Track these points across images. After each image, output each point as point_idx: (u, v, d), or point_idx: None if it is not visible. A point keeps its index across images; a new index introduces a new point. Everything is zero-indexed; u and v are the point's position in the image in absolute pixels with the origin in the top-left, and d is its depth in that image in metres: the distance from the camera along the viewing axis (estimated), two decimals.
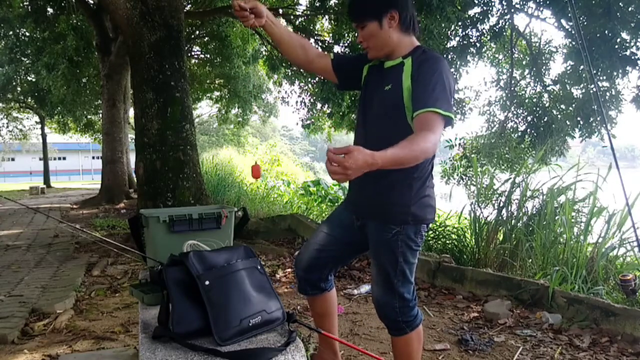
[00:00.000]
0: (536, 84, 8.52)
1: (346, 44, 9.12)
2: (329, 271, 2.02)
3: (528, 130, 8.17)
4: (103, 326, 3.03)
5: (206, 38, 14.02)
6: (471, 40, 7.57)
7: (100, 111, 13.31)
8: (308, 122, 11.81)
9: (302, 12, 10.99)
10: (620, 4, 6.33)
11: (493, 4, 7.46)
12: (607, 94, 7.25)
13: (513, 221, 4.25)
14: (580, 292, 3.27)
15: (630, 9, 6.25)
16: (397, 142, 1.45)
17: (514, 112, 8.54)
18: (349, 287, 3.81)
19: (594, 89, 5.88)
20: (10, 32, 13.84)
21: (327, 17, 10.10)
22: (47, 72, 11.95)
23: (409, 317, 1.80)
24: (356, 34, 1.87)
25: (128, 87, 11.33)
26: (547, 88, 8.29)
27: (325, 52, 2.48)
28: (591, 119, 7.31)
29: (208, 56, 15.15)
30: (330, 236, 1.95)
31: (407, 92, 1.65)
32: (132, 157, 9.96)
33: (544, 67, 8.44)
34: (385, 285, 1.80)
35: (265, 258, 4.78)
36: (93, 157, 43.09)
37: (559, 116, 7.78)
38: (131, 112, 12.34)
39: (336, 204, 8.56)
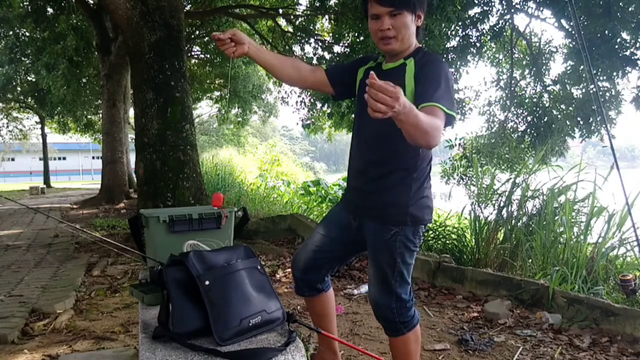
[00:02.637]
0: (536, 84, 8.52)
1: (346, 44, 9.12)
2: (327, 272, 2.02)
3: (528, 130, 8.17)
4: (103, 326, 3.03)
5: (206, 38, 14.02)
6: (471, 40, 7.57)
7: (100, 111, 13.32)
8: (308, 122, 11.82)
9: (302, 12, 10.99)
10: (620, 4, 6.33)
11: (493, 4, 7.45)
12: (607, 94, 7.25)
13: (513, 221, 4.25)
14: (580, 292, 3.26)
15: (630, 9, 6.24)
16: (397, 142, 1.45)
17: (514, 112, 8.54)
18: (349, 287, 3.81)
19: (594, 89, 5.88)
20: (10, 32, 13.84)
21: (327, 17, 10.10)
22: (47, 72, 11.95)
23: (406, 318, 1.81)
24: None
25: (128, 87, 11.33)
26: (547, 88, 8.29)
27: (317, 65, 2.46)
28: (591, 119, 7.31)
29: (208, 56, 15.16)
30: (327, 237, 1.95)
31: (410, 93, 1.65)
32: (132, 157, 9.96)
33: (544, 67, 8.44)
34: (382, 285, 1.80)
35: (265, 258, 4.78)
36: (93, 157, 43.13)
37: (559, 116, 7.78)
38: (131, 112, 12.35)
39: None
